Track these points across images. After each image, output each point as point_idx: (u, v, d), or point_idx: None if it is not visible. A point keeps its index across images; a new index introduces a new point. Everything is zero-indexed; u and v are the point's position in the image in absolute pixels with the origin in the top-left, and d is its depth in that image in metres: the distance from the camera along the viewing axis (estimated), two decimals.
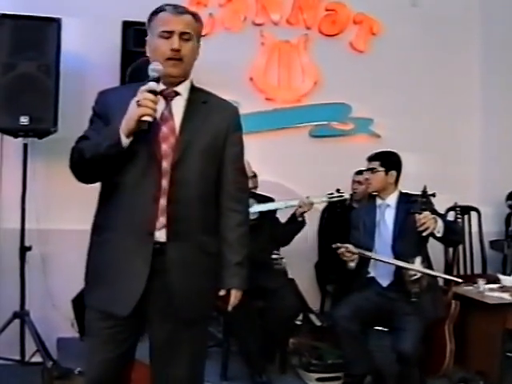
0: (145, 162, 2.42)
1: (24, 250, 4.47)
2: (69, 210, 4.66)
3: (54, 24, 4.41)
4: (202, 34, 2.53)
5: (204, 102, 2.57)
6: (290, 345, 4.60)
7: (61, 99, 4.43)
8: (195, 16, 2.55)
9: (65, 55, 4.49)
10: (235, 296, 2.58)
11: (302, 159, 5.44)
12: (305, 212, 4.61)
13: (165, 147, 2.44)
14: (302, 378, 4.38)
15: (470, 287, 4.67)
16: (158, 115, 2.47)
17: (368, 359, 4.17)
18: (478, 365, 4.45)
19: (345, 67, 5.53)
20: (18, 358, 4.43)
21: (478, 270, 5.50)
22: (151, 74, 2.39)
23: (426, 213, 4.05)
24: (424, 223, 4.02)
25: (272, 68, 5.54)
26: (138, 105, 2.32)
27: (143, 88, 2.35)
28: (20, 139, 4.46)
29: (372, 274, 4.32)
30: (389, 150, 4.45)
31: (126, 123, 2.34)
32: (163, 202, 2.42)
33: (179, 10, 2.50)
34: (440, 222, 4.09)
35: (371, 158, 4.40)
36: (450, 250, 5.05)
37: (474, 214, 5.56)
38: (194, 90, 2.59)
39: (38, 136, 4.46)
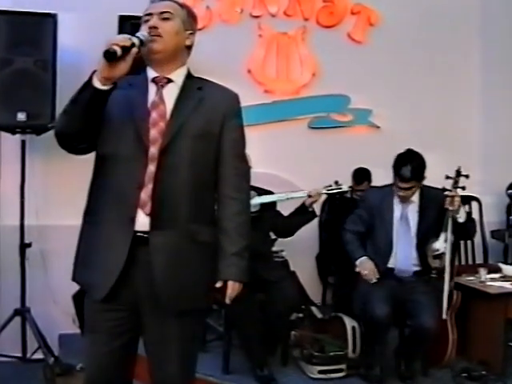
0: (133, 148, 2.41)
1: (24, 246, 4.47)
2: (68, 205, 4.61)
3: (50, 19, 4.40)
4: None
5: (199, 87, 2.54)
6: (291, 337, 4.59)
7: (58, 94, 4.42)
8: (182, 4, 2.55)
9: (61, 50, 4.48)
10: (232, 288, 2.51)
11: (301, 151, 5.43)
12: (314, 202, 4.61)
13: (153, 132, 2.41)
14: (303, 370, 4.36)
15: (472, 277, 4.67)
16: (149, 103, 2.46)
17: (383, 348, 4.26)
18: (481, 354, 4.45)
19: (343, 58, 5.52)
20: (19, 354, 4.45)
21: (479, 259, 5.49)
22: (137, 34, 2.40)
23: (457, 193, 4.14)
24: (453, 200, 4.09)
25: (270, 60, 5.53)
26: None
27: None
28: (18, 136, 4.45)
29: (391, 265, 4.33)
30: (413, 151, 4.28)
31: (98, 63, 2.30)
32: (150, 187, 2.39)
33: None
34: (463, 209, 4.16)
35: (408, 180, 4.19)
36: (461, 240, 5.04)
37: (474, 204, 5.55)
38: (190, 77, 2.57)
39: (36, 132, 4.45)
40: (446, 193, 4.16)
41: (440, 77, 5.73)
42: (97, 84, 2.30)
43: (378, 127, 5.65)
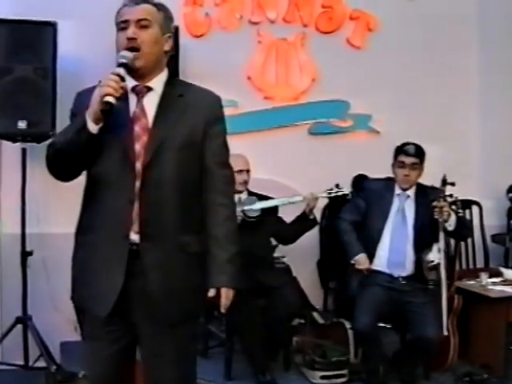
0: (120, 165, 2.39)
1: (25, 254, 4.45)
2: (69, 213, 4.58)
3: (49, 27, 4.40)
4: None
5: (181, 95, 2.49)
6: (293, 343, 4.60)
7: (58, 102, 4.42)
8: (158, 6, 2.49)
9: (61, 58, 4.48)
10: (226, 296, 2.46)
11: (302, 157, 5.43)
12: (313, 209, 4.61)
13: (138, 147, 2.39)
14: (305, 376, 4.37)
15: (473, 281, 4.68)
16: (131, 113, 2.44)
17: (383, 354, 4.27)
18: (482, 358, 4.46)
19: (342, 64, 5.51)
20: (21, 363, 4.42)
21: (480, 263, 5.48)
22: (119, 60, 2.37)
23: (445, 203, 4.17)
24: (441, 211, 4.09)
25: (269, 66, 5.52)
26: (101, 86, 2.29)
27: (109, 72, 2.33)
28: (18, 144, 4.45)
29: (381, 268, 4.37)
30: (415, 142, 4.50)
31: (91, 106, 2.30)
32: (137, 204, 2.38)
33: (136, 1, 2.44)
34: (453, 216, 4.18)
35: (413, 154, 4.39)
36: (452, 243, 5.05)
37: (475, 208, 5.55)
38: (170, 83, 2.52)
39: (37, 140, 4.43)
40: (434, 203, 4.17)
41: (439, 80, 5.73)
42: (91, 127, 2.31)
43: (378, 132, 5.65)
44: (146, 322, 2.45)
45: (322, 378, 4.28)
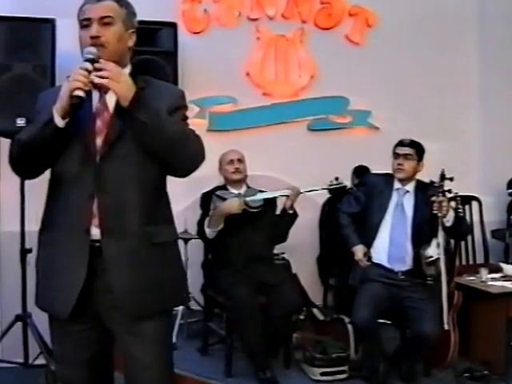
0: (80, 160, 2.35)
1: (24, 252, 4.44)
2: None
3: (48, 25, 4.38)
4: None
5: (142, 88, 2.39)
6: (293, 340, 4.59)
7: None
8: (120, 2, 2.44)
9: (60, 55, 4.46)
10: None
11: (301, 153, 5.43)
12: (293, 203, 4.57)
13: (99, 141, 2.36)
14: (306, 372, 4.36)
15: (473, 277, 4.68)
16: (94, 109, 2.41)
17: (383, 350, 4.24)
18: (483, 355, 4.45)
19: (341, 60, 5.52)
20: (21, 360, 4.42)
21: (480, 259, 5.48)
22: (85, 56, 2.34)
23: (444, 198, 4.15)
24: (440, 206, 4.09)
25: (268, 63, 5.53)
26: (69, 81, 2.26)
27: (76, 67, 2.29)
28: None
29: (381, 262, 4.36)
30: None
31: (59, 101, 2.28)
32: (97, 198, 2.33)
33: None
34: (451, 212, 4.16)
35: (407, 144, 4.41)
36: (452, 240, 5.04)
37: (474, 204, 5.55)
38: (132, 77, 2.41)
39: None
40: (433, 198, 4.17)
41: (438, 77, 5.73)
42: (58, 121, 2.28)
43: (377, 128, 5.65)
44: (111, 321, 2.40)
45: (322, 374, 4.27)
